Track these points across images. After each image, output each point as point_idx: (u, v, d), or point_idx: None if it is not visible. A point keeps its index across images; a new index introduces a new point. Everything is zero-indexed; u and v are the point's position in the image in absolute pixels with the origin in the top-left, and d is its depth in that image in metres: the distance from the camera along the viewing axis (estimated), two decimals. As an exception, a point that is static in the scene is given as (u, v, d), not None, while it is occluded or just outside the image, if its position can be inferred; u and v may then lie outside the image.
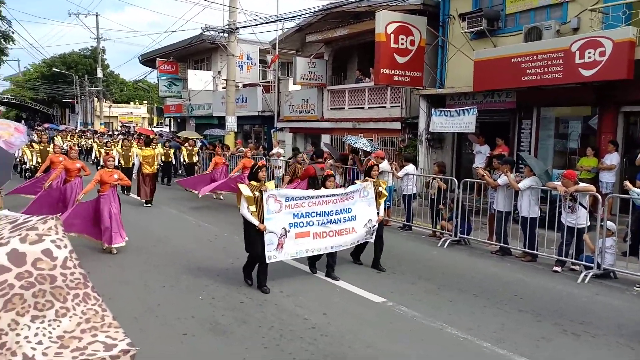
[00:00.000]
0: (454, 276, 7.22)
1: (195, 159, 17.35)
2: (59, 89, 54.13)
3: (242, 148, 17.03)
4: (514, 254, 8.47)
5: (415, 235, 10.21)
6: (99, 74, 43.42)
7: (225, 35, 18.69)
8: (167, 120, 36.36)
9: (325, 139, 17.74)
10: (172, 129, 32.52)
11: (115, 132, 33.14)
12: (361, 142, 12.66)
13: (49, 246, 1.32)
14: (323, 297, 6.19)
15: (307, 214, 6.68)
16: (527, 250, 8.13)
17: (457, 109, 12.14)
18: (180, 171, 19.41)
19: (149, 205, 12.97)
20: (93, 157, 19.93)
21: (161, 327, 5.23)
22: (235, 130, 18.92)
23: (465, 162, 13.74)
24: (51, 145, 15.65)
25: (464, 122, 11.89)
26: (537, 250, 8.09)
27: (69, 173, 9.84)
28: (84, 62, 55.41)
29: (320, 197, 6.83)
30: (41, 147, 15.67)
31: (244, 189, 6.21)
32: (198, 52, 26.45)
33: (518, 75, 10.39)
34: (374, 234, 7.37)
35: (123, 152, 15.10)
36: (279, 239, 6.40)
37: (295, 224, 6.57)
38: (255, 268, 6.53)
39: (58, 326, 1.24)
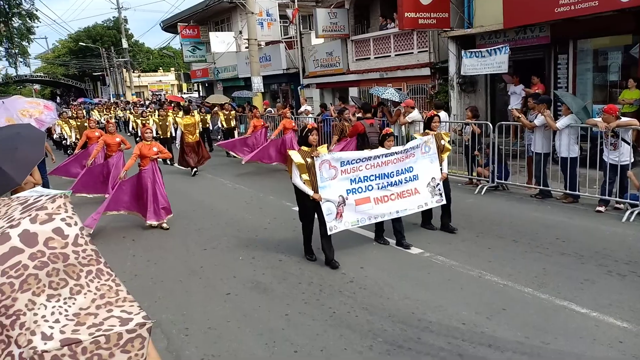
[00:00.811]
0: (493, 223, 7.08)
1: (233, 123, 16.85)
2: (88, 63, 54.90)
3: (270, 109, 16.91)
4: (554, 197, 8.22)
5: (450, 184, 9.97)
6: (124, 44, 43.65)
7: (243, -8, 18.26)
8: (196, 85, 36.48)
9: (353, 92, 17.41)
10: (201, 94, 32.64)
11: (147, 102, 33.42)
12: (389, 93, 12.35)
13: (60, 225, 1.30)
14: (359, 251, 6.20)
15: (365, 177, 6.08)
16: (568, 191, 7.87)
17: (488, 48, 11.61)
18: (219, 137, 19.02)
19: (195, 175, 12.44)
20: (130, 128, 19.36)
21: (205, 288, 5.37)
22: (262, 90, 18.77)
23: (499, 105, 13.26)
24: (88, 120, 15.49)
25: (496, 62, 11.38)
26: (578, 191, 7.81)
27: (109, 148, 9.65)
28: (108, 33, 55.73)
29: (378, 157, 6.15)
30: (78, 123, 15.63)
31: (295, 156, 5.63)
32: (217, 13, 26.06)
33: (551, 7, 9.77)
34: (442, 195, 6.69)
35: (160, 122, 14.68)
36: (337, 208, 5.85)
37: (353, 190, 6.01)
38: (312, 243, 6.12)
39: (73, 304, 1.24)
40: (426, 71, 14.59)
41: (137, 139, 15.46)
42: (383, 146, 6.23)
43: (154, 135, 14.50)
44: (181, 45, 29.32)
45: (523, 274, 5.21)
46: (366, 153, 6.16)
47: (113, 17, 56.15)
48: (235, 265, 5.98)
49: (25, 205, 1.37)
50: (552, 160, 8.41)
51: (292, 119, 13.59)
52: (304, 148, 5.74)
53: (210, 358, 3.95)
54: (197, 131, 12.99)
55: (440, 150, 6.73)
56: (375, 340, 4.06)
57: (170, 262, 6.27)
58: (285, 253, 6.30)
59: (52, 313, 1.21)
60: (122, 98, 41.63)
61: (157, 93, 48.04)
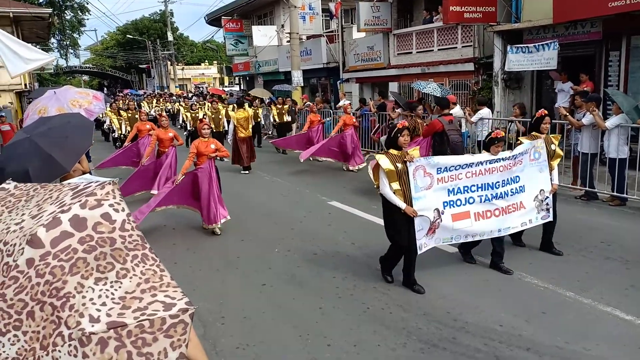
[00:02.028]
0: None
1: (286, 117, 15.81)
2: (135, 55, 56.49)
3: (308, 102, 16.87)
4: (600, 199, 7.92)
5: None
6: (170, 37, 44.68)
7: (286, -14, 18.34)
8: (237, 79, 36.96)
9: (393, 87, 17.21)
10: (242, 88, 33.05)
11: (190, 94, 34.08)
12: (431, 87, 12.14)
13: (108, 210, 1.35)
14: (395, 248, 6.14)
15: (466, 188, 5.12)
16: (615, 193, 7.56)
17: (536, 44, 11.22)
18: (270, 132, 18.32)
19: (247, 172, 11.80)
20: (180, 121, 17.91)
21: (241, 279, 5.47)
22: (302, 84, 18.83)
23: (546, 102, 12.81)
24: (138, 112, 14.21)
25: (544, 58, 10.99)
26: (626, 194, 7.49)
27: (161, 143, 9.08)
28: (154, 26, 57.13)
29: (482, 164, 5.16)
30: (129, 115, 14.80)
31: (383, 161, 4.72)
32: (260, 6, 26.27)
33: (604, 2, 9.35)
34: (550, 210, 5.64)
35: (213, 115, 13.81)
36: (432, 223, 4.91)
37: (451, 203, 5.06)
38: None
39: (120, 287, 1.29)
40: (470, 66, 14.26)
41: (186, 132, 15.29)
42: (488, 151, 5.16)
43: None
44: (224, 39, 29.76)
45: (565, 277, 5.06)
46: (467, 158, 5.19)
47: (160, 10, 57.59)
48: (271, 258, 6.06)
49: (76, 191, 1.43)
50: (599, 161, 8.10)
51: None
52: (393, 151, 4.82)
53: (245, 347, 4.03)
54: (250, 126, 12.26)
55: (550, 156, 5.63)
56: (410, 338, 4.03)
57: (209, 252, 6.41)
58: (320, 247, 6.33)
59: (100, 296, 1.26)
60: (165, 90, 42.65)
61: (199, 86, 48.98)
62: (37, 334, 1.24)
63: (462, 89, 14.91)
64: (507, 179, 5.35)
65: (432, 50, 15.63)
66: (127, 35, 54.25)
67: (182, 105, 17.70)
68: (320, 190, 9.60)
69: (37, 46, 24.78)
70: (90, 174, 4.34)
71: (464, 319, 4.30)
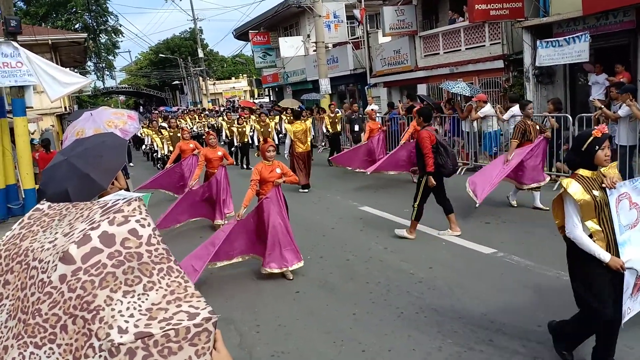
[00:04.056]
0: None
1: (339, 127, 14.32)
2: (167, 73, 58.03)
3: (337, 110, 16.82)
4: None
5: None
6: (200, 54, 45.68)
7: (310, -4, 18.54)
8: (266, 90, 37.46)
9: (421, 89, 17.10)
10: (272, 99, 33.45)
11: (222, 108, 34.70)
12: (460, 87, 12.01)
13: (135, 226, 1.42)
14: (428, 252, 6.10)
15: None
16: (658, 186, 7.25)
17: (566, 37, 10.95)
18: (324, 143, 17.07)
19: (307, 190, 10.49)
20: (223, 137, 15.93)
21: (275, 287, 5.53)
22: (330, 92, 18.92)
23: (580, 96, 12.46)
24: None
25: (576, 50, 10.71)
26: (671, 185, 7.18)
27: (210, 164, 8.05)
28: (185, 44, 58.56)
29: None
30: (171, 134, 13.37)
31: (574, 188, 3.22)
32: (286, 18, 26.61)
33: (637, -11, 9.06)
34: None
35: (262, 129, 12.97)
36: (638, 278, 3.30)
37: None
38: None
39: (146, 299, 1.35)
40: (499, 64, 14.02)
41: (233, 149, 14.57)
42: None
43: (257, 143, 12.84)
44: (252, 52, 30.26)
45: (606, 275, 4.89)
46: None
47: (189, 28, 58.92)
48: (304, 264, 6.08)
49: (105, 209, 1.51)
50: (638, 154, 7.81)
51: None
52: (585, 172, 3.29)
53: (280, 355, 4.07)
54: (309, 139, 10.91)
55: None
56: (445, 342, 3.99)
57: (242, 262, 6.49)
58: (352, 253, 6.33)
59: (127, 308, 1.33)
60: (199, 105, 43.60)
61: (230, 99, 49.85)
62: (70, 347, 1.31)
63: (493, 87, 14.66)
64: None
65: (460, 49, 15.45)
66: (160, 55, 55.81)
67: (225, 120, 16.52)
68: (352, 196, 9.62)
69: (75, 70, 25.84)
70: (127, 190, 4.50)
71: (501, 320, 4.22)
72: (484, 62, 14.45)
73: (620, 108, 7.70)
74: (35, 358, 1.33)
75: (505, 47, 13.86)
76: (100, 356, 1.26)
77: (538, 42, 11.71)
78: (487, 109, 10.56)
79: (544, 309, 4.33)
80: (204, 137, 18.43)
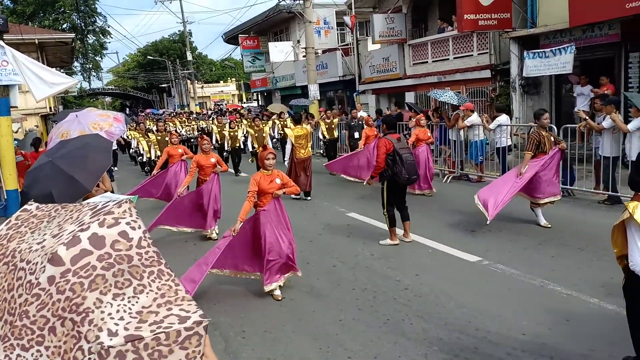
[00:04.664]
0: (557, 230, 6.79)
1: (336, 133, 13.69)
2: (155, 75, 57.66)
3: (324, 115, 16.80)
4: (624, 203, 7.74)
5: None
6: (189, 56, 45.49)
7: (301, 1, 18.60)
8: (255, 95, 37.42)
9: (409, 97, 17.24)
10: (260, 103, 33.43)
11: (209, 112, 34.52)
12: (447, 96, 12.12)
13: (125, 228, 1.41)
14: (415, 259, 6.13)
15: None
16: None
17: (553, 48, 11.15)
18: (322, 150, 16.30)
19: (309, 198, 10.02)
20: (214, 141, 14.58)
21: (261, 292, 5.46)
22: (319, 98, 18.98)
23: (565, 107, 12.68)
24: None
25: (561, 62, 10.90)
26: (652, 197, 7.31)
27: (202, 171, 7.59)
28: (174, 47, 58.27)
29: None
30: (159, 138, 12.57)
31: None
32: (276, 23, 26.68)
33: (622, 3, 9.27)
34: None
35: (256, 134, 12.22)
36: None
37: None
38: None
39: (137, 302, 1.34)
40: (486, 73, 14.21)
41: (225, 154, 13.79)
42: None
43: (250, 149, 12.33)
44: (242, 56, 30.24)
45: (589, 283, 4.97)
46: None
47: (179, 31, 58.70)
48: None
49: (95, 210, 1.50)
50: (621, 165, 7.95)
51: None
52: None
53: (266, 360, 4.05)
54: (309, 144, 10.33)
55: None
56: (431, 349, 4.00)
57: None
58: (339, 259, 6.33)
59: (117, 311, 1.32)
60: (186, 108, 43.38)
61: (218, 103, 49.67)
62: (58, 349, 1.30)
63: (480, 96, 14.84)
64: None
65: (448, 58, 15.62)
66: (148, 57, 55.45)
67: (214, 124, 15.85)
68: (339, 202, 9.63)
69: (61, 70, 25.54)
70: (112, 192, 4.45)
71: (486, 328, 4.25)
72: (472, 72, 14.63)
73: (604, 119, 7.84)
74: (21, 361, 1.32)
75: (493, 57, 14.05)
76: (89, 359, 1.25)
77: (525, 52, 11.90)
78: (474, 118, 10.67)
79: (529, 317, 4.37)
80: (192, 141, 18.30)
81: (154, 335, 1.28)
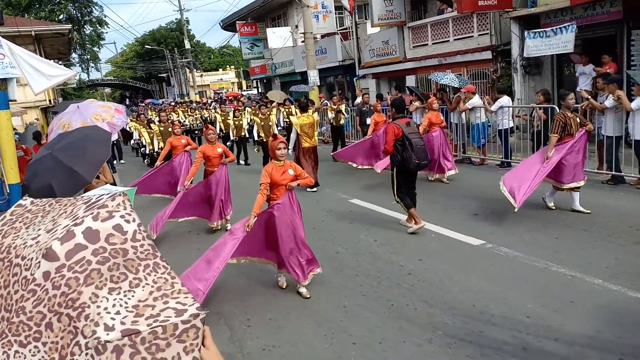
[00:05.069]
0: (560, 212, 6.76)
1: (342, 120, 13.22)
2: (154, 65, 57.41)
3: (326, 102, 16.74)
4: (628, 182, 7.72)
5: (514, 171, 9.64)
6: (187, 45, 45.22)
7: (298, -14, 18.40)
8: (254, 82, 37.22)
9: (410, 80, 17.10)
10: (260, 91, 33.26)
11: (209, 100, 34.37)
12: (448, 78, 12.02)
13: (119, 221, 1.39)
14: (418, 244, 6.12)
15: None
16: (644, 176, 7.32)
17: (554, 27, 11.00)
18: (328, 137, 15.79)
19: (315, 189, 9.54)
20: (217, 130, 13.67)
21: (265, 280, 5.50)
22: (318, 83, 18.85)
23: (568, 87, 12.50)
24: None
25: (562, 41, 10.77)
26: (656, 175, 7.26)
27: (209, 162, 7.36)
28: (171, 35, 57.93)
29: None
30: (161, 128, 12.18)
31: None
32: (273, 8, 26.41)
33: (624, -21, 9.11)
34: None
35: (262, 123, 11.76)
36: None
37: None
38: None
39: (133, 296, 1.32)
40: (487, 55, 14.06)
41: (229, 143, 13.31)
42: None
43: (256, 138, 11.76)
44: (240, 43, 30.01)
45: (593, 264, 4.95)
46: None
47: (176, 19, 58.33)
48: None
49: (89, 204, 1.47)
50: (624, 144, 7.89)
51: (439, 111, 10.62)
52: None
53: (271, 349, 4.06)
54: (316, 133, 9.89)
55: None
56: (435, 334, 4.00)
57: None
58: (342, 245, 6.33)
59: (114, 305, 1.30)
60: (185, 97, 43.22)
61: (218, 91, 49.46)
62: (55, 345, 1.28)
63: (481, 78, 14.71)
64: None
65: (448, 40, 15.46)
66: (146, 46, 55.17)
67: (218, 113, 15.35)
68: (341, 188, 9.60)
69: (59, 62, 25.42)
70: (114, 184, 4.43)
71: (490, 311, 4.25)
72: (472, 53, 14.48)
73: (606, 99, 7.76)
74: (20, 357, 1.30)
75: (494, 37, 13.90)
76: (86, 354, 1.23)
77: (526, 32, 11.76)
78: (476, 100, 10.58)
79: (533, 300, 4.36)
80: (196, 132, 18.12)
81: (150, 329, 1.26)
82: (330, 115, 13.27)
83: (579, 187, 6.65)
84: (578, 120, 6.61)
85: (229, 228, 6.79)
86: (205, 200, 7.41)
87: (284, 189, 5.01)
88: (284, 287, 5.19)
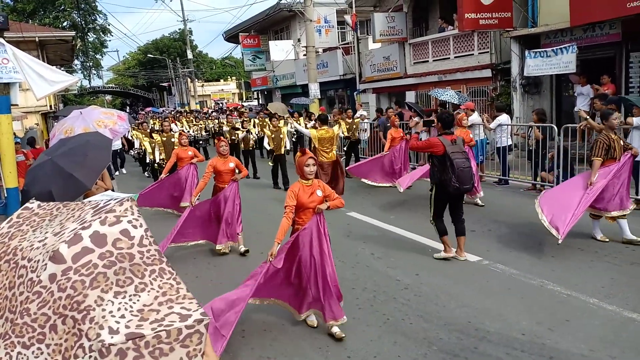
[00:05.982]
0: (556, 229, 6.76)
1: (357, 134, 12.74)
2: (155, 74, 57.62)
3: (344, 115, 16.02)
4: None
5: (512, 189, 9.71)
6: (189, 55, 45.43)
7: (301, 0, 18.59)
8: (255, 93, 37.40)
9: (410, 96, 17.22)
10: (261, 102, 33.40)
11: (210, 110, 34.44)
12: (448, 95, 12.11)
13: (127, 226, 1.41)
14: (415, 258, 6.13)
15: None
16: (641, 197, 7.35)
17: (554, 47, 11.14)
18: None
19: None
20: (265, 145, 12.67)
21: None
22: (319, 97, 18.95)
23: (566, 106, 12.67)
24: (176, 135, 10.58)
25: (563, 61, 10.90)
26: (653, 197, 7.29)
27: (220, 177, 6.78)
28: (174, 45, 58.22)
29: None
30: (164, 139, 10.91)
31: None
32: (277, 22, 26.67)
33: (622, 2, 9.26)
34: None
35: (273, 135, 11.16)
36: None
37: None
38: None
39: (138, 300, 1.34)
40: (487, 73, 14.20)
41: (241, 157, 13.06)
42: None
43: (268, 148, 10.93)
44: (242, 55, 30.23)
45: (589, 283, 4.97)
46: None
47: (179, 29, 58.65)
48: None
49: (96, 209, 1.50)
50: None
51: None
52: None
53: None
54: (334, 148, 9.41)
55: None
56: (430, 349, 4.00)
57: (230, 265, 6.46)
58: (339, 258, 6.30)
59: (119, 309, 1.32)
60: (186, 107, 43.33)
61: (218, 102, 49.61)
62: (59, 347, 1.30)
63: (480, 96, 14.83)
64: None
65: (449, 58, 15.61)
66: (148, 55, 55.42)
67: (223, 123, 14.66)
68: (340, 201, 9.59)
69: (62, 68, 25.53)
70: (113, 190, 4.45)
71: (486, 327, 4.25)
72: (472, 71, 14.62)
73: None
74: (23, 358, 1.31)
75: (494, 56, 14.04)
76: (90, 356, 1.25)
77: (526, 52, 11.89)
78: (474, 117, 10.65)
79: (528, 318, 4.37)
80: (201, 143, 17.95)
81: (155, 333, 1.28)
82: (344, 127, 12.06)
83: (624, 215, 6.14)
84: (622, 142, 6.14)
85: (242, 250, 6.64)
86: (212, 220, 6.84)
87: (311, 212, 4.37)
88: (315, 326, 4.55)
